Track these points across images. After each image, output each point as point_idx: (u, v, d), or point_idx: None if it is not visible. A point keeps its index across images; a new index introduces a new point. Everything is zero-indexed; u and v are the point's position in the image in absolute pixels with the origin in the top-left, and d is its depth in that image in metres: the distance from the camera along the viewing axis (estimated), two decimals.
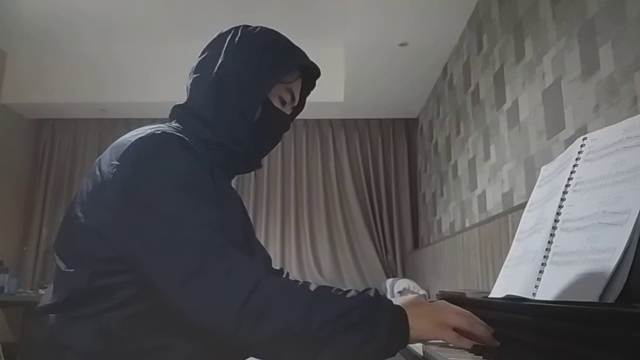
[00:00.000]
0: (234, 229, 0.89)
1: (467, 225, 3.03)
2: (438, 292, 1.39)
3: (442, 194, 3.76)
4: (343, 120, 4.90)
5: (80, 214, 0.82)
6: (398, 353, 0.80)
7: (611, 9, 1.52)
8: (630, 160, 0.71)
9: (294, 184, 4.79)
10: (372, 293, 0.79)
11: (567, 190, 0.83)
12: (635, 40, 1.41)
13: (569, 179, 0.84)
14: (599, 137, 0.83)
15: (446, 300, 0.91)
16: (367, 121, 4.91)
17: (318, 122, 4.89)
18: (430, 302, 0.89)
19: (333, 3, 3.49)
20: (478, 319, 0.79)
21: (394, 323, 0.74)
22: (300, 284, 0.81)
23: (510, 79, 2.36)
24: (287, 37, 0.99)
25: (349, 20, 3.23)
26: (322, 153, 4.85)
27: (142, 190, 0.78)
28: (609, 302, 0.63)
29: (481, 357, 0.75)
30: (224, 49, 0.94)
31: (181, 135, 0.85)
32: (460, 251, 2.89)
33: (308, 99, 1.07)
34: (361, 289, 0.82)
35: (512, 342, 0.75)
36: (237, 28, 0.97)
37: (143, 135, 0.83)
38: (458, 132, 3.31)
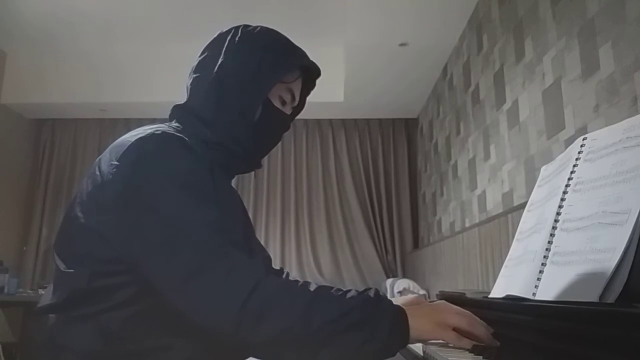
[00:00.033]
0: (234, 229, 0.89)
1: (467, 225, 3.03)
2: (438, 292, 1.39)
3: (442, 194, 3.76)
4: (343, 120, 4.90)
5: (80, 214, 0.82)
6: (398, 353, 0.80)
7: (611, 9, 1.52)
8: (630, 160, 0.71)
9: (294, 184, 4.79)
10: (372, 293, 0.79)
11: (567, 190, 0.83)
12: (635, 40, 1.41)
13: (569, 179, 0.84)
14: (599, 137, 0.83)
15: (446, 300, 0.91)
16: (367, 121, 4.91)
17: (318, 122, 4.89)
18: (430, 302, 0.89)
19: (333, 3, 3.49)
20: (478, 319, 0.79)
21: (394, 323, 0.74)
22: (300, 284, 0.81)
23: (510, 79, 2.36)
24: (287, 37, 0.99)
25: (349, 20, 3.23)
26: (322, 153, 4.85)
27: (142, 190, 0.78)
28: (609, 302, 0.63)
29: (481, 357, 0.75)
30: (224, 48, 0.94)
31: (181, 135, 0.85)
32: (460, 251, 2.89)
33: (308, 98, 1.07)
34: (361, 289, 0.82)
35: (512, 342, 0.75)
36: (237, 28, 0.97)
37: (143, 135, 0.83)
38: (458, 132, 3.31)
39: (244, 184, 4.76)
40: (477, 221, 2.79)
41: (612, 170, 0.74)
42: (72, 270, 0.81)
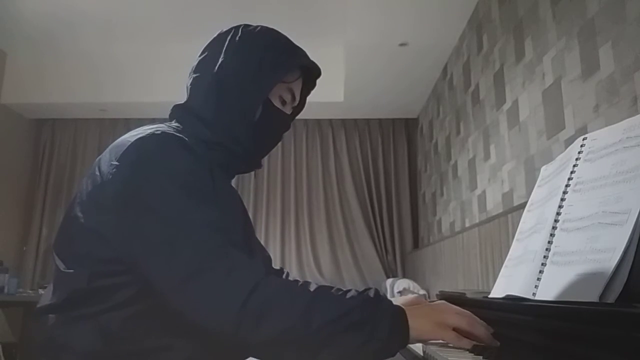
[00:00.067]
0: (234, 229, 0.88)
1: (467, 225, 3.03)
2: (438, 292, 1.39)
3: (442, 194, 3.76)
4: (343, 120, 4.90)
5: (79, 214, 0.82)
6: (398, 353, 0.80)
7: (611, 9, 1.52)
8: (630, 160, 0.71)
9: (294, 184, 4.79)
10: (372, 293, 0.79)
11: (567, 190, 0.83)
12: (635, 40, 1.41)
13: (569, 179, 0.84)
14: (599, 137, 0.83)
15: (446, 300, 0.91)
16: (367, 121, 4.91)
17: (318, 122, 4.89)
18: (430, 302, 0.89)
19: (333, 3, 3.49)
20: (478, 319, 0.79)
21: (394, 323, 0.74)
22: (300, 284, 0.81)
23: (510, 79, 2.36)
24: (287, 36, 0.99)
25: (349, 20, 3.23)
26: (322, 153, 4.85)
27: (142, 191, 0.78)
28: (609, 302, 0.63)
29: (481, 357, 0.75)
30: (224, 48, 0.94)
31: (181, 135, 0.85)
32: (460, 251, 2.89)
33: (308, 98, 1.07)
34: (361, 289, 0.82)
35: (512, 342, 0.75)
36: (237, 27, 0.97)
37: (143, 135, 0.83)
38: (458, 132, 3.31)
39: (244, 184, 4.76)
40: (477, 221, 2.79)
41: (612, 170, 0.74)
42: (71, 271, 0.80)
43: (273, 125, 0.98)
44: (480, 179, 2.83)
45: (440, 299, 1.08)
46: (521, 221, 1.01)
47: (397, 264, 4.63)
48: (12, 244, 4.61)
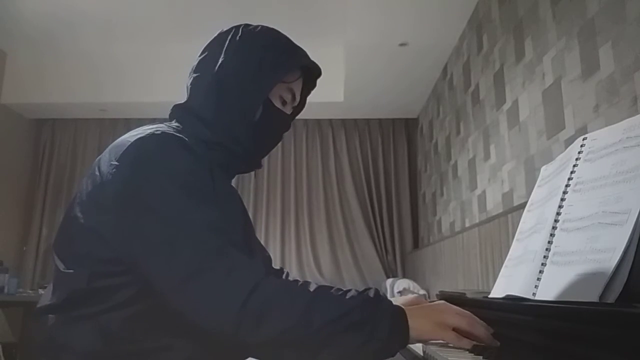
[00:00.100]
0: (234, 229, 0.88)
1: (467, 225, 3.03)
2: (438, 292, 1.39)
3: (442, 194, 3.76)
4: (343, 120, 4.90)
5: (79, 214, 0.82)
6: (398, 353, 0.80)
7: (611, 9, 1.52)
8: (630, 160, 0.71)
9: (294, 184, 4.79)
10: (372, 293, 0.79)
11: (567, 190, 0.83)
12: (635, 40, 1.41)
13: (569, 179, 0.84)
14: (599, 137, 0.83)
15: (446, 300, 0.91)
16: (367, 121, 4.91)
17: (318, 122, 4.89)
18: (430, 302, 0.89)
19: (333, 3, 3.49)
20: (478, 319, 0.79)
21: (394, 323, 0.74)
22: (300, 284, 0.81)
23: (510, 79, 2.36)
24: (288, 36, 0.99)
25: (349, 20, 3.23)
26: (322, 153, 4.85)
27: (142, 191, 0.77)
28: (609, 302, 0.63)
29: (481, 357, 0.75)
30: (225, 48, 0.93)
31: (181, 135, 0.85)
32: (460, 251, 2.89)
33: (308, 98, 1.07)
34: (361, 289, 0.82)
35: (512, 342, 0.75)
36: (237, 27, 0.97)
37: (142, 135, 0.83)
38: (458, 132, 3.31)
39: (244, 184, 4.76)
40: (477, 221, 2.79)
41: (612, 170, 0.74)
42: (71, 271, 0.80)
43: (273, 125, 0.98)
44: (480, 179, 2.83)
45: (440, 299, 1.08)
46: (521, 221, 1.01)
47: (397, 264, 4.63)
48: (12, 244, 4.61)
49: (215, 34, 0.99)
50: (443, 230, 3.70)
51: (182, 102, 0.96)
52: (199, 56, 0.97)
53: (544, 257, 0.81)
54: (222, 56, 0.93)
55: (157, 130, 0.84)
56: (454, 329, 0.76)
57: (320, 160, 4.83)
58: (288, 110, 1.00)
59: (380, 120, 4.90)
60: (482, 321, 0.79)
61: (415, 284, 3.71)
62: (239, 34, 0.95)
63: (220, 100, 0.91)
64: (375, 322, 0.73)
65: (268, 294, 0.73)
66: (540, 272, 0.80)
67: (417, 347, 0.89)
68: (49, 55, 4.39)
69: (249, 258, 0.79)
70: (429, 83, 4.06)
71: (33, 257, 4.65)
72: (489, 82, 2.68)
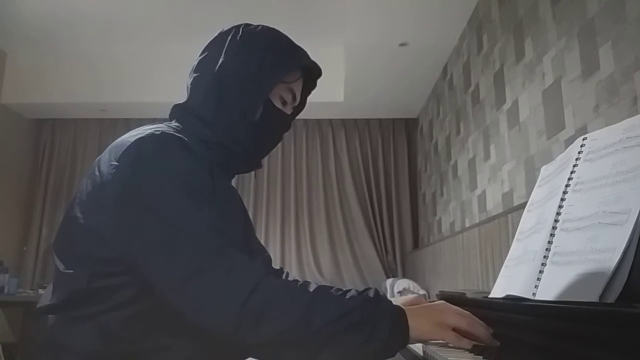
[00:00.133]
0: (234, 229, 0.88)
1: (467, 225, 3.03)
2: (438, 292, 1.39)
3: (442, 194, 3.76)
4: (343, 120, 4.90)
5: (79, 214, 0.82)
6: (398, 353, 0.80)
7: (611, 9, 1.52)
8: (630, 160, 0.71)
9: (294, 184, 4.78)
10: (372, 293, 0.79)
11: (567, 190, 0.83)
12: (635, 40, 1.41)
13: (569, 179, 0.84)
14: (599, 137, 0.83)
15: (446, 300, 0.91)
16: (367, 121, 4.91)
17: (318, 122, 4.89)
18: (430, 302, 0.89)
19: (333, 3, 3.49)
20: (478, 319, 0.79)
21: (394, 323, 0.74)
22: (300, 284, 0.81)
23: (510, 79, 2.36)
24: (288, 36, 0.99)
25: (349, 20, 3.23)
26: (322, 153, 4.85)
27: (142, 191, 0.77)
28: (609, 302, 0.63)
29: (481, 357, 0.75)
30: (225, 48, 0.93)
31: (180, 135, 0.85)
32: (460, 251, 2.89)
33: (308, 98, 1.07)
34: (361, 289, 0.82)
35: (512, 342, 0.75)
36: (238, 27, 0.97)
37: (142, 135, 0.83)
38: (458, 132, 3.31)
39: (244, 184, 4.76)
40: (477, 221, 2.79)
41: (612, 170, 0.74)
42: (71, 271, 0.80)
43: (273, 126, 0.98)
44: (480, 179, 2.83)
45: (440, 299, 1.08)
46: (521, 221, 1.01)
47: (397, 264, 4.63)
48: (12, 244, 4.61)
49: (216, 34, 0.99)
50: (443, 230, 3.70)
51: (182, 102, 0.96)
52: (199, 56, 0.97)
53: (544, 257, 0.81)
54: (222, 56, 0.93)
55: (157, 130, 0.84)
56: (454, 329, 0.76)
57: (320, 160, 4.83)
58: (288, 110, 1.00)
59: (380, 120, 4.90)
60: (482, 321, 0.79)
61: (415, 284, 3.71)
62: (240, 34, 0.95)
63: (221, 100, 0.91)
64: (375, 322, 0.73)
65: (268, 294, 0.73)
66: (540, 272, 0.80)
67: (417, 347, 0.89)
68: (49, 55, 4.39)
69: (249, 258, 0.79)
70: (429, 83, 4.06)
71: (33, 257, 4.65)
72: (489, 82, 2.68)
